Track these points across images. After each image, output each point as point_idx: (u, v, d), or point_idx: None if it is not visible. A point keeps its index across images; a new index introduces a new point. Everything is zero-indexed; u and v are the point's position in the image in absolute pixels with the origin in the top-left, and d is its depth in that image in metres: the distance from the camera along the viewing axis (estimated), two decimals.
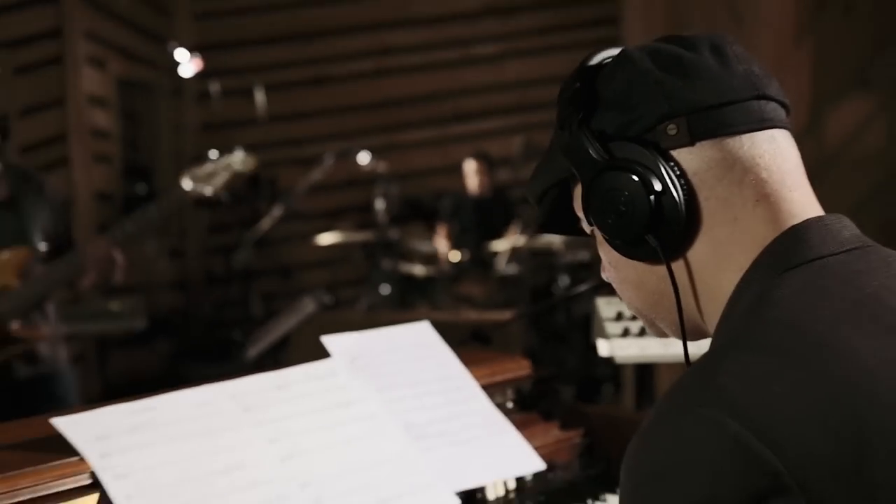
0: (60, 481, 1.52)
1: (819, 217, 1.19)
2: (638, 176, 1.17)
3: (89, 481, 1.55)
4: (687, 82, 1.18)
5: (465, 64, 10.19)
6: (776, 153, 1.20)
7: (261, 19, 9.73)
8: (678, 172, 1.18)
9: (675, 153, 1.18)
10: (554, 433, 2.24)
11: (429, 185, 9.74)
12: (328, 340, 2.07)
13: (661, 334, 1.36)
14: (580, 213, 1.32)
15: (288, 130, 9.58)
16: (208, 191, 4.19)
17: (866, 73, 5.13)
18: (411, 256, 8.73)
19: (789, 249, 1.15)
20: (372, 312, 7.97)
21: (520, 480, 2.05)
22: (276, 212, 8.64)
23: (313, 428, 1.86)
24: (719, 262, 1.20)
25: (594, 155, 1.21)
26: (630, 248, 1.24)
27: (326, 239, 8.63)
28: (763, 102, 1.20)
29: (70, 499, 1.53)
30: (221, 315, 9.46)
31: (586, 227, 1.33)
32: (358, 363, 2.04)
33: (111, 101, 8.37)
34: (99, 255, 3.99)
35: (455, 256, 8.40)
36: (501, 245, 8.18)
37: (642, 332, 2.89)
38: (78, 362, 6.19)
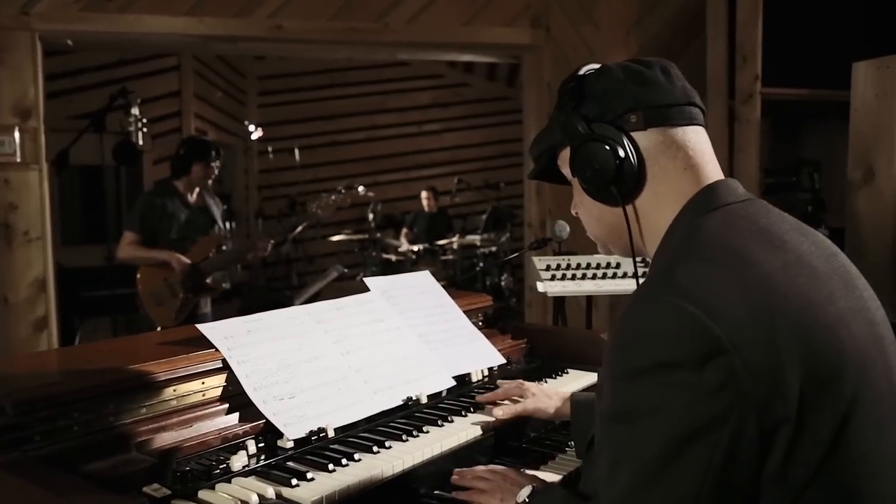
0: (203, 364, 1.47)
1: (723, 179, 1.14)
2: (609, 146, 1.12)
3: (221, 365, 1.50)
4: (645, 89, 1.13)
5: (420, 135, 10.25)
6: (698, 140, 1.14)
7: (297, 107, 9.70)
8: (635, 147, 1.13)
9: (634, 134, 1.13)
10: (508, 341, 2.15)
11: (399, 206, 9.72)
12: (368, 280, 1.98)
13: (610, 253, 1.29)
14: (562, 168, 1.25)
15: (314, 173, 9.60)
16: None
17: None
18: (388, 249, 8.71)
19: (707, 199, 1.10)
20: (363, 282, 8.22)
21: (490, 370, 1.97)
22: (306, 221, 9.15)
23: (361, 334, 1.78)
24: (658, 207, 1.14)
25: (581, 130, 1.15)
26: (599, 193, 1.18)
27: (336, 238, 8.58)
28: (692, 108, 1.15)
29: (209, 376, 1.48)
30: (271, 285, 9.28)
31: (567, 177, 1.25)
32: (387, 295, 1.96)
33: None
34: (262, 245, 4.29)
35: (415, 249, 8.35)
36: (443, 242, 8.16)
37: (563, 278, 2.90)
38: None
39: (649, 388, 0.94)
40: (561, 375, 2.03)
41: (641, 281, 1.10)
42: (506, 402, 1.75)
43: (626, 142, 1.13)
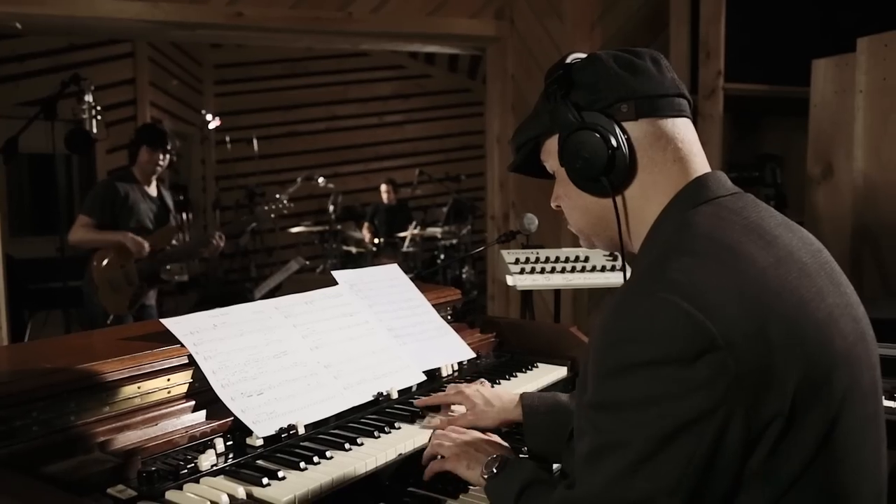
0: (168, 360, 1.43)
1: (712, 172, 1.12)
2: (601, 135, 1.09)
3: (186, 361, 1.45)
4: (636, 78, 1.10)
5: (381, 126, 10.16)
6: (686, 132, 1.12)
7: (255, 96, 9.55)
8: (626, 137, 1.10)
9: (625, 124, 1.10)
10: (477, 335, 2.13)
11: (359, 198, 9.65)
12: (336, 274, 1.94)
13: (593, 246, 1.25)
14: (545, 160, 1.22)
15: (272, 164, 9.47)
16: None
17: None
18: (348, 241, 8.70)
19: (696, 192, 1.09)
20: (325, 275, 7.88)
21: (460, 364, 1.95)
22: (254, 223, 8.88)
23: (331, 329, 1.74)
24: (646, 199, 1.12)
25: (572, 118, 1.12)
26: (588, 184, 1.14)
27: (295, 230, 8.53)
28: (681, 99, 1.13)
29: (175, 372, 1.44)
30: (229, 277, 9.27)
31: (549, 169, 1.22)
32: (355, 288, 1.93)
33: None
34: (216, 244, 4.26)
35: (375, 241, 8.38)
36: (404, 235, 8.15)
37: (532, 272, 2.87)
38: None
39: (639, 382, 0.93)
40: (531, 369, 2.02)
41: (628, 273, 1.09)
42: (453, 408, 1.65)
43: (617, 131, 1.10)
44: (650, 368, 0.92)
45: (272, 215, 4.59)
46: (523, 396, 1.57)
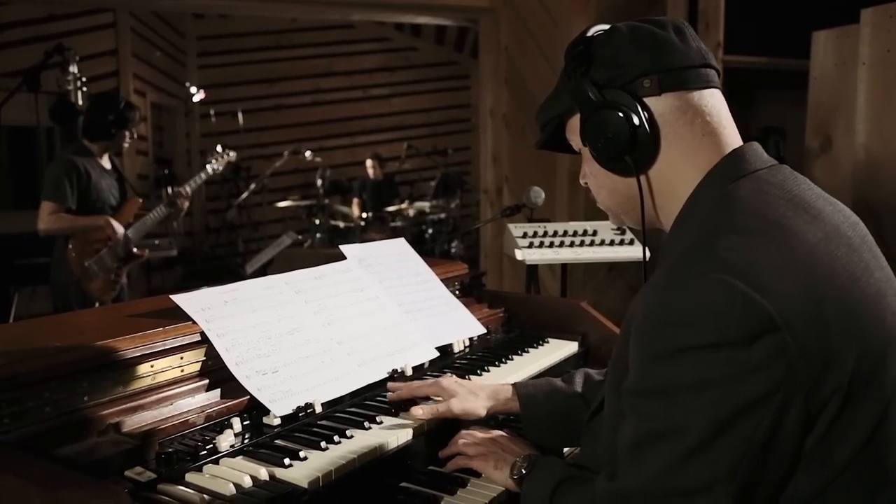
0: (180, 337, 1.38)
1: (748, 144, 1.09)
2: (623, 113, 1.06)
3: (199, 338, 1.41)
4: (659, 51, 1.06)
5: (367, 99, 10.05)
6: (715, 103, 1.08)
7: (241, 69, 9.40)
8: (649, 114, 1.07)
9: (647, 100, 1.07)
10: (486, 310, 2.11)
11: (346, 172, 9.55)
12: (345, 248, 1.91)
13: (622, 224, 1.23)
14: (570, 138, 1.20)
15: (258, 137, 9.34)
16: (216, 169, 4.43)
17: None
18: (335, 216, 8.65)
19: (734, 166, 1.05)
20: (312, 250, 7.92)
21: (471, 340, 1.93)
22: (251, 187, 8.67)
23: (342, 304, 1.71)
24: (675, 176, 1.09)
25: (592, 97, 1.08)
26: (612, 163, 1.12)
27: (282, 204, 8.46)
28: (708, 70, 1.09)
29: (187, 350, 1.40)
30: (216, 252, 9.23)
31: (575, 147, 1.20)
32: (364, 263, 1.89)
33: (148, 117, 8.08)
34: (180, 202, 4.02)
35: (363, 216, 8.31)
36: (393, 209, 8.11)
37: (541, 245, 2.82)
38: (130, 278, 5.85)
39: (693, 366, 0.89)
40: (542, 345, 1.99)
41: (636, 251, 1.06)
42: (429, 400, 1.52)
43: (639, 108, 1.07)
44: (704, 352, 0.88)
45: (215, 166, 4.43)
46: (517, 386, 1.50)
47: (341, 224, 8.53)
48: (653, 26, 1.09)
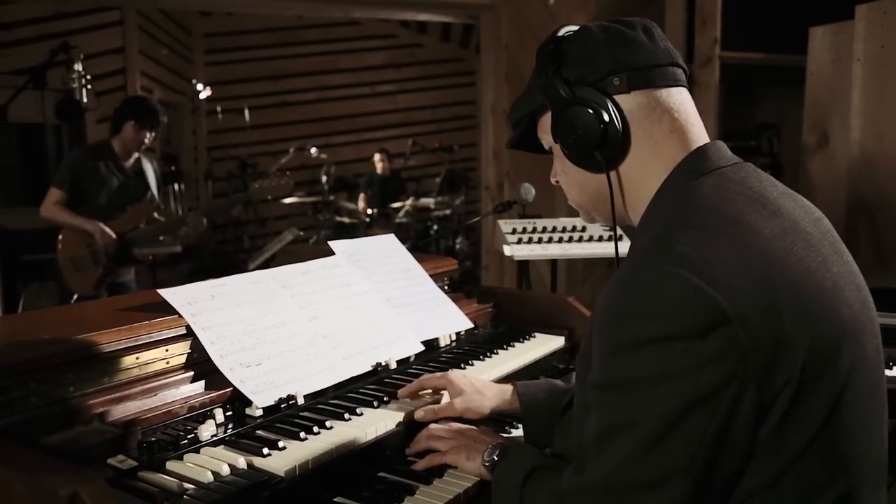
0: (166, 330, 1.41)
1: (712, 142, 1.10)
2: (593, 110, 1.07)
3: (185, 331, 1.44)
4: (628, 49, 1.08)
5: (373, 96, 10.04)
6: (682, 101, 1.10)
7: (247, 66, 9.40)
8: (619, 110, 1.08)
9: (617, 97, 1.08)
10: (474, 305, 2.13)
11: (351, 169, 9.51)
12: (334, 244, 1.92)
13: (593, 221, 1.24)
14: (541, 136, 1.20)
15: (263, 134, 9.32)
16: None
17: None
18: (341, 212, 8.59)
19: (698, 163, 1.06)
20: (316, 246, 7.74)
21: (458, 334, 1.95)
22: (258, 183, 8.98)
23: (328, 299, 1.73)
24: (643, 172, 1.10)
25: (563, 94, 1.10)
26: (583, 159, 1.13)
27: (288, 201, 8.39)
28: (676, 69, 1.10)
29: (173, 343, 1.43)
30: (222, 248, 9.10)
31: (546, 146, 1.21)
32: (353, 259, 1.91)
33: None
34: (196, 221, 4.00)
35: (369, 212, 8.29)
36: (397, 205, 8.10)
37: (529, 241, 2.85)
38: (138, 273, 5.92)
39: (650, 359, 0.91)
40: (528, 339, 2.02)
41: (622, 246, 1.07)
42: (430, 392, 1.56)
43: (609, 105, 1.08)
44: (660, 344, 0.90)
45: (268, 195, 4.32)
46: (518, 385, 1.51)
47: (346, 220, 8.53)
48: (622, 26, 1.11)
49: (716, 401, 0.89)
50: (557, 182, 1.25)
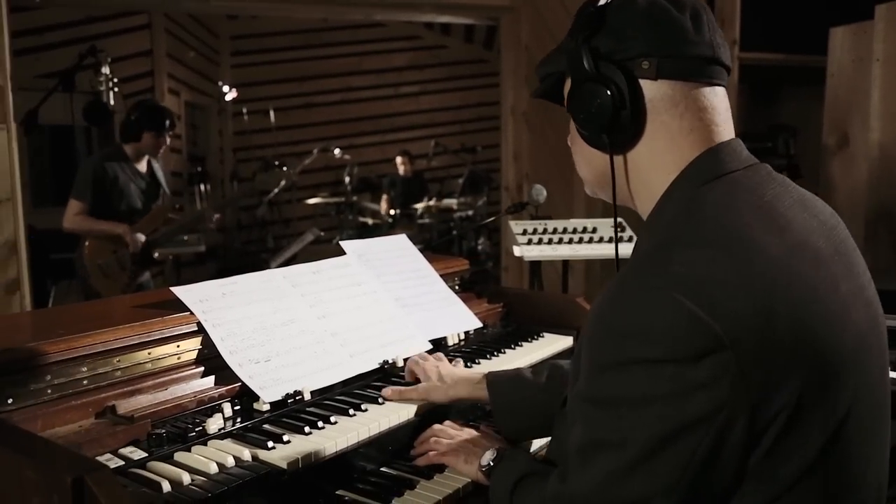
0: (178, 327, 1.45)
1: (726, 142, 1.03)
2: (610, 91, 1.01)
3: (196, 328, 1.47)
4: (667, 34, 1.00)
5: (396, 97, 10.14)
6: (713, 101, 1.03)
7: (272, 68, 9.53)
8: (639, 96, 1.02)
9: (642, 82, 1.01)
10: (484, 305, 2.13)
11: (375, 169, 9.63)
12: (345, 244, 1.94)
13: (596, 195, 1.18)
14: (566, 94, 1.13)
15: (289, 135, 9.48)
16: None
17: None
18: (364, 213, 8.67)
19: (708, 166, 1.01)
20: (337, 246, 8.15)
21: (467, 333, 1.96)
22: (282, 183, 8.78)
23: (338, 298, 1.75)
24: (653, 164, 1.04)
25: (586, 66, 1.03)
26: (590, 137, 1.08)
27: (312, 201, 8.54)
28: (714, 66, 1.02)
29: (185, 339, 1.46)
30: (247, 248, 9.22)
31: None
32: (363, 258, 1.93)
33: (182, 115, 8.18)
34: (207, 216, 4.20)
35: (391, 213, 8.37)
36: (420, 206, 8.14)
37: (540, 242, 2.87)
38: (160, 275, 5.89)
39: (638, 380, 0.89)
40: (536, 339, 2.03)
41: (625, 247, 1.06)
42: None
43: (630, 89, 1.01)
44: (650, 366, 0.87)
45: (282, 182, 4.39)
46: (488, 375, 1.52)
47: (370, 221, 8.60)
48: (671, 5, 1.01)
49: (705, 426, 0.86)
50: (571, 144, 1.20)
